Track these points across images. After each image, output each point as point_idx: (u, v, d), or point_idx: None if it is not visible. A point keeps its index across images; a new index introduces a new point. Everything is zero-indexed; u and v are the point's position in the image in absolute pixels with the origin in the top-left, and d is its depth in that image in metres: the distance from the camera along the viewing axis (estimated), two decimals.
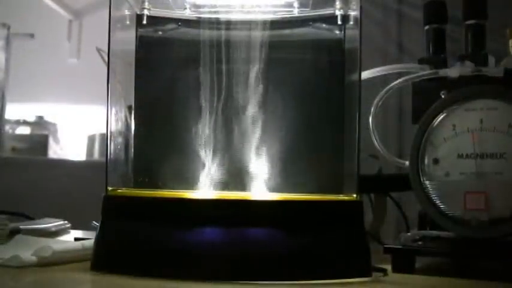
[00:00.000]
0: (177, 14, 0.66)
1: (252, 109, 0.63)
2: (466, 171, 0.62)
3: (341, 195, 0.60)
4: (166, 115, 0.66)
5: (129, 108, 0.65)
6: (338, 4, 0.64)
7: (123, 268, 0.54)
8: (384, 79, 0.75)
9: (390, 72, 0.74)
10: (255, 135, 0.62)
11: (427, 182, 0.64)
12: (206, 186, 0.61)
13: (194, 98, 0.64)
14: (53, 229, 0.85)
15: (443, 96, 0.66)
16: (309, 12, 0.65)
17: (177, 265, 0.53)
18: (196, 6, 0.66)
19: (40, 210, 0.94)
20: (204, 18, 0.66)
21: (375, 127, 0.72)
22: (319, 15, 0.65)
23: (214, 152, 0.62)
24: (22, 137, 2.54)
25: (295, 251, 0.54)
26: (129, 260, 0.55)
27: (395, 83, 0.71)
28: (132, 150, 0.65)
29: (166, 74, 0.66)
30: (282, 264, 0.54)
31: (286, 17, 0.66)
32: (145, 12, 0.66)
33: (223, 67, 0.65)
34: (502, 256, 0.60)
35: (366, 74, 0.71)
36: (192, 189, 0.61)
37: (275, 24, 0.66)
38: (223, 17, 0.66)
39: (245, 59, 0.65)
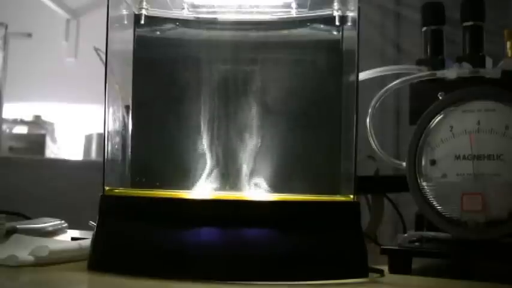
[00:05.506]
0: (175, 14, 0.66)
1: (249, 109, 0.63)
2: (463, 172, 0.62)
3: (338, 196, 0.60)
4: (163, 115, 0.66)
5: (127, 107, 0.65)
6: (336, 5, 0.64)
7: (120, 268, 0.54)
8: (382, 80, 0.75)
9: (388, 73, 0.74)
10: (252, 136, 0.62)
11: (424, 183, 0.64)
12: (203, 187, 0.61)
13: (192, 98, 0.64)
14: (50, 229, 0.85)
15: (440, 98, 0.66)
16: (307, 13, 0.65)
17: (173, 265, 0.53)
18: (194, 7, 0.66)
19: (37, 209, 0.93)
20: (202, 18, 0.66)
21: (373, 128, 0.72)
22: (317, 16, 0.65)
23: (212, 152, 0.62)
24: (19, 137, 2.54)
25: (292, 252, 0.54)
26: (126, 260, 0.55)
27: (393, 84, 0.71)
28: (130, 150, 0.65)
29: (164, 74, 0.66)
30: (278, 265, 0.53)
31: (284, 18, 0.66)
32: (143, 12, 0.65)
33: (221, 67, 0.65)
34: (499, 258, 0.60)
35: (363, 75, 0.72)
36: (189, 189, 0.61)
37: (273, 24, 0.66)
38: (221, 17, 0.66)
39: (243, 60, 0.65)
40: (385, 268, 0.59)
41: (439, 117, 0.64)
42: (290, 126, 0.64)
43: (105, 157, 0.60)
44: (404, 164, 0.66)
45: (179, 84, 0.65)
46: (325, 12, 0.64)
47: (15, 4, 2.68)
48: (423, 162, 0.64)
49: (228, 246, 0.54)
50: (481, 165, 0.61)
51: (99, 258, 0.56)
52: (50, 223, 0.87)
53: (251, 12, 0.65)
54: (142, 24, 0.66)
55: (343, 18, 0.64)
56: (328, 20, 0.64)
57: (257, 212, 0.56)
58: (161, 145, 0.65)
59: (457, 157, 0.63)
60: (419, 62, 0.73)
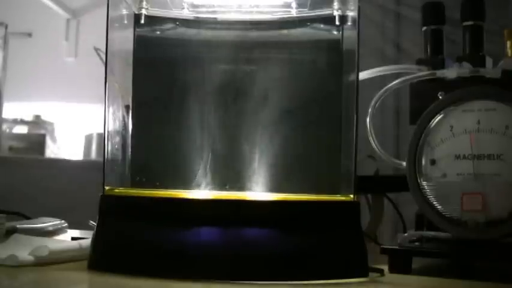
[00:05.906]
0: (175, 13, 0.66)
1: (249, 109, 0.63)
2: (463, 172, 0.62)
3: (338, 195, 0.60)
4: (164, 115, 0.66)
5: (127, 107, 0.65)
6: (336, 5, 0.64)
7: (120, 268, 0.54)
8: (382, 80, 0.75)
9: (388, 72, 0.74)
10: (252, 135, 0.62)
11: (424, 183, 0.64)
12: (203, 186, 0.61)
13: (192, 98, 0.64)
14: (50, 228, 0.85)
15: (440, 97, 0.66)
16: (307, 13, 0.65)
17: (174, 265, 0.53)
18: (194, 6, 0.66)
19: (37, 209, 0.93)
20: (202, 18, 0.66)
21: (373, 128, 0.72)
22: (317, 15, 0.65)
23: (212, 152, 0.62)
24: (19, 136, 2.55)
25: (292, 251, 0.54)
26: (126, 259, 0.55)
27: (393, 83, 0.71)
28: (130, 149, 0.65)
29: (164, 74, 0.66)
30: (278, 265, 0.53)
31: (284, 18, 0.66)
32: (143, 11, 0.65)
33: (221, 67, 0.65)
34: (499, 257, 0.60)
35: (363, 75, 0.72)
36: (189, 189, 0.61)
37: (273, 24, 0.66)
38: (221, 17, 0.66)
39: (243, 59, 0.65)
40: (385, 268, 0.59)
41: (439, 117, 0.64)
42: (290, 126, 0.64)
43: (105, 157, 0.60)
44: (404, 163, 0.66)
45: (179, 84, 0.65)
46: (325, 11, 0.64)
47: (15, 4, 2.68)
48: (423, 162, 0.64)
49: (228, 246, 0.54)
50: (481, 165, 0.61)
51: (99, 258, 0.56)
52: (50, 223, 0.87)
53: (251, 12, 0.65)
54: (142, 24, 0.65)
55: (343, 18, 0.64)
56: (328, 20, 0.64)
57: (257, 212, 0.56)
58: (161, 145, 0.65)
59: (457, 157, 0.62)
60: (419, 62, 0.73)
